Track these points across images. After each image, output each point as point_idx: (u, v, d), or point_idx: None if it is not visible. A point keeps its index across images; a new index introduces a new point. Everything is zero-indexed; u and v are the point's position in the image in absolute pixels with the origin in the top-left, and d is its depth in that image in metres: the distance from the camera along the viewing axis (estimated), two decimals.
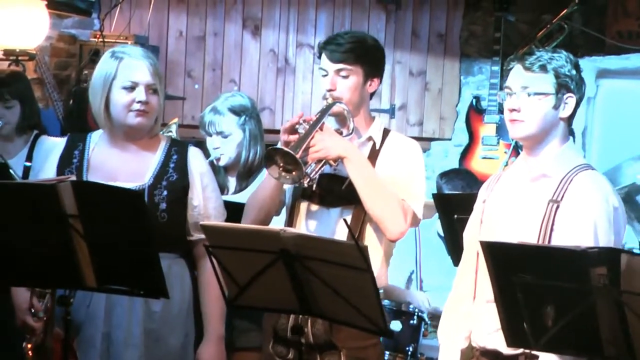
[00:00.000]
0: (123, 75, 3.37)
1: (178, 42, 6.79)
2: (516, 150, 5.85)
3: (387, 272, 3.53)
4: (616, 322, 2.47)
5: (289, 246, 2.84)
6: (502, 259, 2.65)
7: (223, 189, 4.06)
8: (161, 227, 3.32)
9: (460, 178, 5.07)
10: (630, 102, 6.54)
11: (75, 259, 2.97)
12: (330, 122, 3.40)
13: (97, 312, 3.35)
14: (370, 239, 3.36)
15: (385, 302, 4.38)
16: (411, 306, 4.46)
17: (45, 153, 4.02)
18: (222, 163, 4.11)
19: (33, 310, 3.43)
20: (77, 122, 5.73)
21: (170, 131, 4.47)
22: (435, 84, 6.70)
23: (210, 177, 3.55)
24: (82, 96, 4.07)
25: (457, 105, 6.69)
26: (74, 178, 3.18)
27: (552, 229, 2.94)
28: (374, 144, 3.44)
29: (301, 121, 3.30)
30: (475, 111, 6.45)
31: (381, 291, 3.23)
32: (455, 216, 3.80)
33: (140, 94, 3.37)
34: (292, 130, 3.30)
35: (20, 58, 5.77)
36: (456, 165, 6.28)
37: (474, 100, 6.50)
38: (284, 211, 3.53)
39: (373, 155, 3.42)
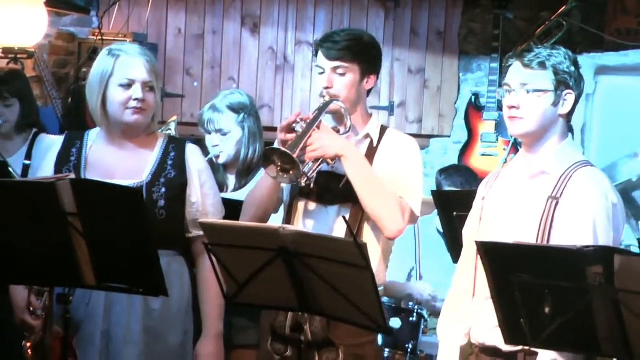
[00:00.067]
0: (120, 73, 3.38)
1: (177, 39, 6.79)
2: (515, 147, 5.85)
3: (386, 270, 3.54)
4: (612, 320, 2.48)
5: (287, 244, 2.84)
6: (499, 258, 2.65)
7: (222, 186, 4.06)
8: (160, 224, 3.32)
9: (459, 174, 5.07)
10: (629, 99, 6.53)
11: (75, 257, 2.97)
12: (327, 120, 3.40)
13: (97, 310, 3.35)
14: (368, 236, 3.36)
15: (385, 299, 4.37)
16: (410, 303, 4.46)
17: (43, 151, 4.02)
18: (221, 161, 4.10)
19: (31, 309, 3.44)
20: (76, 120, 5.72)
21: (170, 129, 4.46)
22: (434, 82, 6.70)
23: (209, 174, 3.55)
24: (81, 94, 4.07)
25: (456, 103, 6.69)
26: (73, 176, 3.18)
27: (551, 226, 2.94)
28: (372, 141, 3.44)
29: (298, 120, 3.30)
30: (474, 108, 6.45)
31: (381, 288, 3.23)
32: (455, 213, 3.80)
33: (137, 91, 3.37)
34: (290, 129, 3.30)
35: (19, 56, 5.77)
36: (455, 163, 6.28)
37: (473, 98, 6.50)
38: (282, 209, 3.53)
39: (370, 153, 3.41)
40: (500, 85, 3.25)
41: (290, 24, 6.74)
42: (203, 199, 3.47)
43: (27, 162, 4.59)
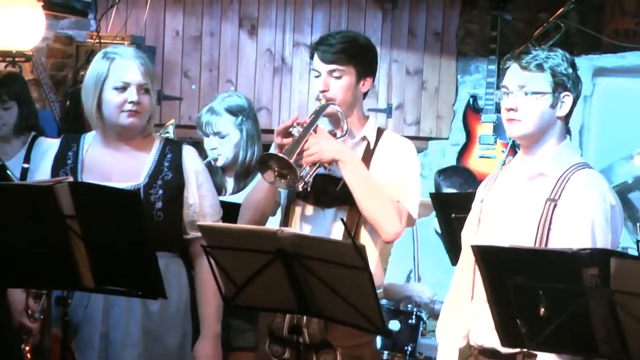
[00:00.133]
0: (114, 76, 3.38)
1: (174, 42, 6.78)
2: (513, 149, 5.85)
3: (384, 273, 3.54)
4: (609, 321, 2.48)
5: (286, 246, 2.84)
6: (495, 262, 2.66)
7: (221, 189, 4.07)
8: (157, 226, 3.32)
9: (458, 175, 5.08)
10: (626, 101, 6.54)
11: (73, 260, 2.97)
12: (324, 123, 3.40)
13: (95, 313, 3.35)
14: (365, 239, 3.37)
15: (384, 301, 4.38)
16: (409, 305, 4.46)
17: (41, 154, 4.02)
18: (219, 163, 4.11)
19: (29, 312, 3.44)
20: (74, 123, 5.72)
21: (168, 132, 4.47)
22: (432, 83, 6.70)
23: (206, 175, 3.55)
24: (79, 97, 4.05)
25: (454, 104, 6.69)
26: (71, 179, 3.18)
27: (549, 228, 2.94)
28: (368, 143, 3.44)
29: (295, 124, 3.30)
30: (472, 110, 6.45)
31: (380, 291, 3.23)
32: (453, 215, 3.80)
33: (132, 94, 3.37)
34: (286, 133, 3.31)
35: (16, 59, 5.77)
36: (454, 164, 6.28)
37: (471, 99, 6.50)
38: (279, 211, 3.53)
39: (367, 155, 3.42)
40: (498, 87, 3.25)
41: (288, 25, 6.74)
42: (200, 200, 3.47)
43: (26, 165, 4.59)
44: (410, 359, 4.32)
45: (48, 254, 2.98)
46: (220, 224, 3.32)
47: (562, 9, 6.06)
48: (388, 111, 6.60)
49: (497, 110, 6.11)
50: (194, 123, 4.30)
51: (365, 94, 3.48)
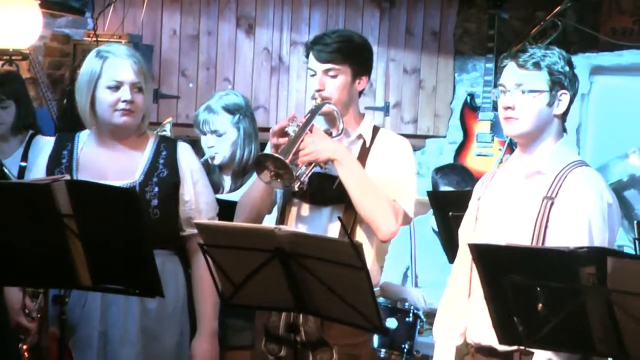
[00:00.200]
0: (108, 75, 3.37)
1: (172, 41, 6.78)
2: (510, 147, 5.86)
3: (380, 271, 3.54)
4: (606, 320, 2.48)
5: (284, 244, 2.84)
6: (491, 260, 2.66)
7: (218, 187, 4.07)
8: (154, 223, 3.31)
9: (455, 173, 5.07)
10: (624, 99, 6.54)
11: (70, 259, 2.96)
12: (319, 122, 3.40)
13: (93, 312, 3.35)
14: (361, 237, 3.36)
15: (381, 299, 4.38)
16: (407, 304, 4.46)
17: (37, 153, 4.02)
18: (216, 162, 4.11)
19: (26, 311, 3.43)
20: (71, 122, 5.70)
21: (165, 130, 4.47)
22: (430, 82, 6.70)
23: (201, 172, 3.54)
24: None
25: (451, 103, 6.69)
26: (68, 177, 3.17)
27: (546, 226, 2.95)
28: (364, 142, 3.45)
29: (290, 123, 3.30)
30: (470, 108, 6.46)
31: (377, 289, 3.24)
32: (450, 213, 3.80)
33: (125, 93, 3.36)
34: (282, 132, 3.31)
35: (13, 58, 5.76)
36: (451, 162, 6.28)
37: (468, 98, 6.50)
38: (275, 210, 3.53)
39: (363, 154, 3.42)
40: (495, 86, 3.25)
41: (285, 24, 6.74)
42: (196, 197, 3.47)
43: (24, 164, 4.57)
44: (407, 356, 4.31)
45: (45, 252, 2.97)
46: (217, 222, 3.31)
47: (559, 7, 6.06)
48: (385, 109, 6.60)
49: (495, 108, 6.11)
50: (192, 121, 4.30)
51: (360, 93, 3.48)
